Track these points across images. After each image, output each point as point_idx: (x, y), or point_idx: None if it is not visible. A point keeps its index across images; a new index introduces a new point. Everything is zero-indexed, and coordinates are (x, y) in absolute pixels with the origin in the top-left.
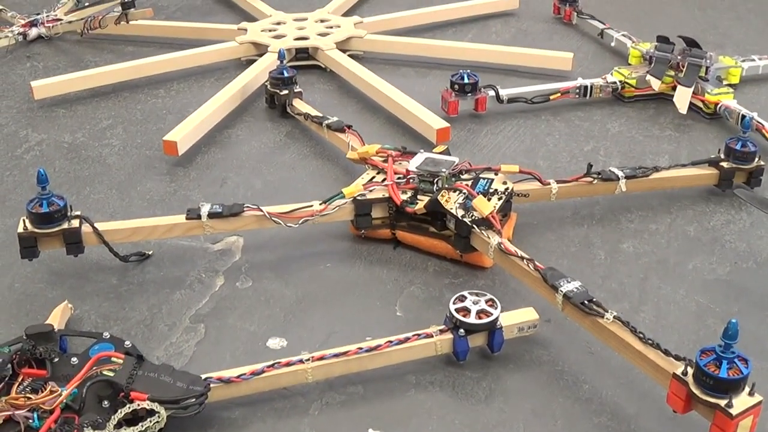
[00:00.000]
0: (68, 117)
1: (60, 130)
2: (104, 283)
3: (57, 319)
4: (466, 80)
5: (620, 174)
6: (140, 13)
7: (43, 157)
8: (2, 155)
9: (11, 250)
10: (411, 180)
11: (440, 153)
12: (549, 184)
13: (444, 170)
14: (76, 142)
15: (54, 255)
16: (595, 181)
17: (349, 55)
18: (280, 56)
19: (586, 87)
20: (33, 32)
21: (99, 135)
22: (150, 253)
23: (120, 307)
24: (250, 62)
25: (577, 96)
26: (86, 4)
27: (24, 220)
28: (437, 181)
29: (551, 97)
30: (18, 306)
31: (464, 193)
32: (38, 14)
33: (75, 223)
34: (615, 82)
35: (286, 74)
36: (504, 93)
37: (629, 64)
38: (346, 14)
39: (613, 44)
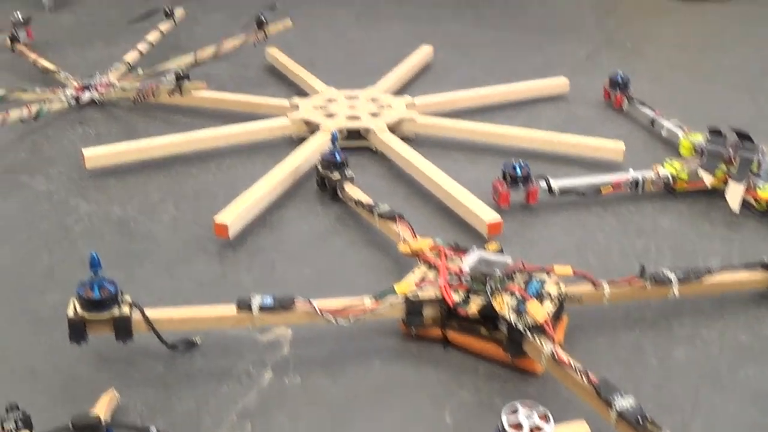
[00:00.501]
0: (119, 188)
1: (110, 201)
2: (151, 371)
3: (104, 408)
4: (518, 172)
5: (673, 278)
6: (194, 86)
7: (93, 230)
8: (52, 225)
9: (58, 329)
10: (464, 280)
11: (493, 251)
12: (602, 286)
13: (497, 271)
14: (127, 215)
15: (102, 336)
16: (648, 285)
17: (400, 137)
18: (333, 140)
19: (637, 180)
20: (85, 96)
21: (149, 209)
22: (198, 341)
23: (166, 397)
24: (302, 139)
25: (628, 189)
26: (139, 71)
27: (74, 303)
28: (490, 282)
29: (603, 190)
30: (63, 389)
31: (518, 297)
32: (91, 78)
33: (126, 309)
34: (667, 176)
35: (338, 158)
36: (556, 185)
37: (680, 155)
38: (398, 92)
39: (664, 133)
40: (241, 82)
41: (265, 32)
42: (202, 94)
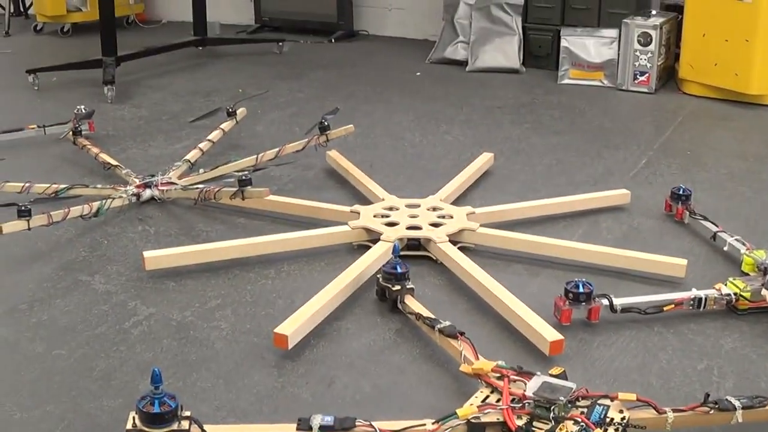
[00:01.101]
0: (178, 291)
1: (169, 305)
2: None
3: None
4: (581, 289)
5: (737, 404)
6: (257, 192)
7: (151, 334)
8: (110, 327)
9: None
10: (527, 404)
11: (557, 375)
12: (665, 413)
13: (561, 398)
14: (185, 320)
15: None
16: (712, 411)
17: (459, 248)
18: (395, 252)
19: (699, 299)
20: (146, 194)
21: (208, 315)
22: None
23: None
24: (362, 247)
25: (690, 308)
26: (200, 170)
27: (133, 417)
28: (554, 408)
29: (664, 308)
30: None
31: (582, 425)
32: (153, 176)
33: (185, 425)
34: (729, 295)
35: (399, 270)
36: (617, 303)
37: (742, 272)
38: (459, 199)
39: (725, 248)
40: (301, 184)
41: (327, 137)
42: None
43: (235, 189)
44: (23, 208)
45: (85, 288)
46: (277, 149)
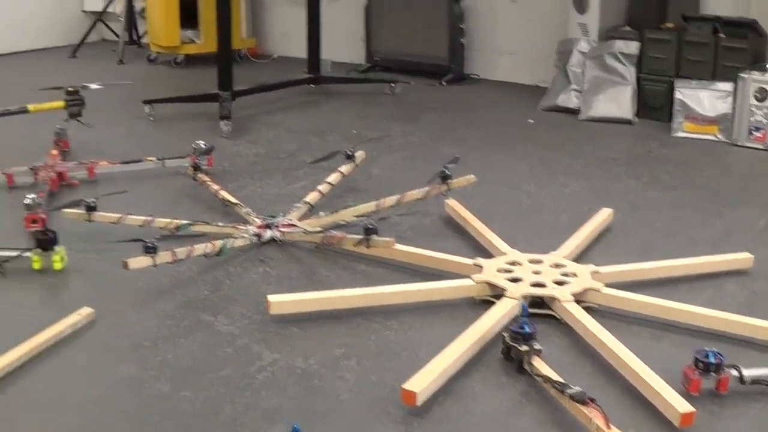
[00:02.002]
0: (302, 338)
1: (293, 351)
2: None
3: None
4: (711, 360)
5: None
6: (383, 242)
7: (276, 381)
8: (235, 371)
9: None
10: None
11: None
12: None
13: None
14: (309, 368)
15: None
16: None
17: (583, 307)
18: (524, 312)
19: None
20: (267, 234)
21: (332, 364)
22: None
23: None
24: (484, 301)
25: None
26: (321, 214)
27: None
28: None
29: None
30: None
31: None
32: (273, 217)
33: None
34: None
35: (527, 330)
36: (747, 374)
37: None
38: (579, 256)
39: None
40: (420, 232)
41: (448, 186)
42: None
43: (359, 237)
44: (150, 244)
45: (208, 328)
46: (397, 196)
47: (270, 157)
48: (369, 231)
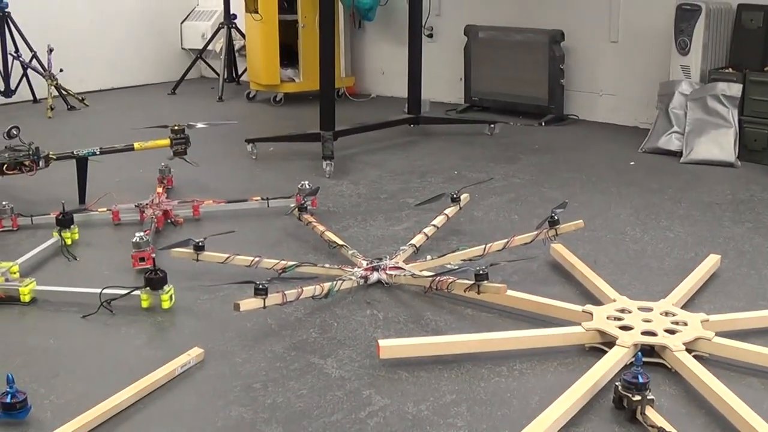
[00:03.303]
0: (411, 383)
1: (403, 397)
2: None
3: None
4: None
5: None
6: (494, 288)
7: (387, 426)
8: (346, 415)
9: None
10: None
11: None
12: None
13: None
14: (420, 414)
15: None
16: None
17: (694, 356)
18: (638, 361)
19: None
20: (373, 277)
21: (443, 411)
22: None
23: None
24: (593, 349)
25: None
26: (428, 257)
27: None
28: None
29: None
30: None
31: None
32: (380, 260)
33: None
34: None
35: (641, 380)
36: None
37: None
38: (687, 303)
39: None
40: (526, 276)
41: (556, 231)
42: None
43: (470, 282)
44: (261, 286)
45: (318, 371)
46: (505, 241)
47: (372, 198)
48: (480, 277)
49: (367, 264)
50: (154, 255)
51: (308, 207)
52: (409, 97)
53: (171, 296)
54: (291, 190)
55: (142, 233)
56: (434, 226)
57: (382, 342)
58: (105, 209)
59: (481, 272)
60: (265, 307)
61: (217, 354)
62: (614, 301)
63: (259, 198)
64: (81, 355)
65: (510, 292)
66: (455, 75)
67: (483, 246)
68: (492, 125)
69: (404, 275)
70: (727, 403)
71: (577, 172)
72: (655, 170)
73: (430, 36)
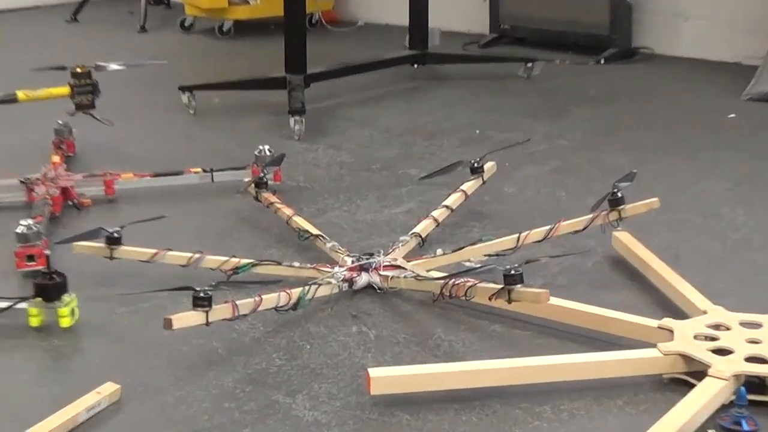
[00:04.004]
0: (415, 428)
1: None
2: None
3: None
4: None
5: None
6: (530, 295)
7: None
8: None
9: None
10: None
11: None
12: None
13: None
14: None
15: None
16: None
17: None
18: (740, 400)
19: None
20: (362, 280)
21: None
22: None
23: None
24: (675, 380)
25: None
26: (438, 251)
27: None
28: None
29: None
30: None
31: None
32: (371, 255)
33: None
34: None
35: (745, 426)
36: None
37: None
38: None
39: None
40: (578, 278)
41: (620, 214)
42: None
43: (497, 286)
44: (202, 295)
45: (284, 414)
46: (546, 228)
47: (361, 168)
48: (511, 279)
49: (353, 262)
50: (48, 252)
51: (269, 182)
52: (412, 27)
53: (73, 310)
54: (245, 159)
55: (30, 221)
56: (447, 207)
57: (373, 372)
58: None
59: (513, 272)
60: (208, 323)
61: (139, 391)
62: (705, 313)
63: (199, 170)
64: None
65: (555, 301)
66: None
67: (516, 235)
68: (529, 64)
69: (405, 277)
70: None
71: (650, 130)
72: (764, 126)
73: None
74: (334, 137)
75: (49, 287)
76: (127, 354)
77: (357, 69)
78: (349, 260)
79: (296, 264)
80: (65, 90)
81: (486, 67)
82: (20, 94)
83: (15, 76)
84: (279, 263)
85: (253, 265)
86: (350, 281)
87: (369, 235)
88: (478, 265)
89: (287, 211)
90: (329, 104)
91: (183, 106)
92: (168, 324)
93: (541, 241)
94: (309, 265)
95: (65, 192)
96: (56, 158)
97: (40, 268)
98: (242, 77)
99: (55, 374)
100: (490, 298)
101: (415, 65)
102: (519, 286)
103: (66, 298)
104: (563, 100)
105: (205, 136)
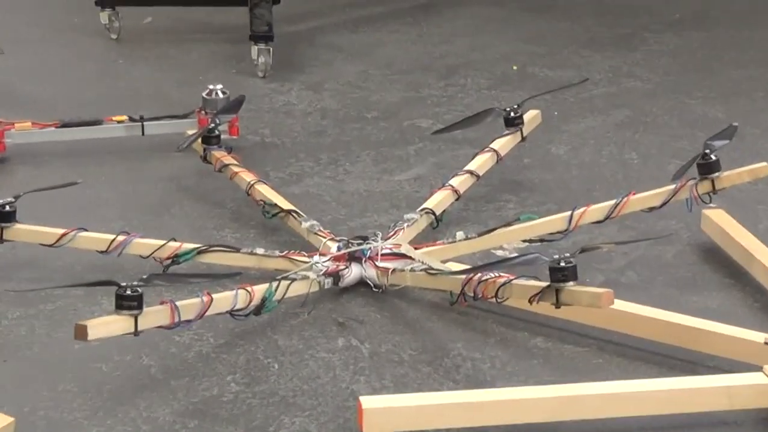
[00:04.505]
0: None
1: None
2: None
3: None
4: None
5: None
6: (587, 296)
7: None
8: None
9: None
10: None
11: None
12: None
13: None
14: None
15: None
16: None
17: None
18: None
19: None
20: (352, 273)
21: None
22: None
23: None
24: None
25: None
26: (459, 235)
27: None
28: None
29: None
30: None
31: None
32: (364, 239)
33: None
34: None
35: None
36: None
37: None
38: None
39: None
40: (654, 272)
41: (713, 184)
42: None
43: (540, 283)
44: (129, 292)
45: None
46: (610, 203)
47: (349, 117)
48: (560, 273)
49: (340, 248)
50: None
51: (222, 136)
52: None
53: None
54: (188, 103)
55: None
56: (471, 173)
57: (366, 401)
58: None
59: (563, 265)
60: (137, 332)
61: (41, 427)
62: None
63: (125, 118)
64: None
65: (621, 305)
66: None
67: (568, 213)
68: None
69: (412, 270)
70: None
71: (758, 67)
72: None
73: None
74: (314, 74)
75: None
76: (27, 376)
77: None
78: (333, 246)
79: (260, 251)
80: None
81: None
82: None
83: None
84: (236, 249)
85: (200, 251)
86: (335, 275)
87: (362, 212)
88: (515, 254)
89: (247, 176)
90: (306, 28)
91: (102, 30)
92: (81, 333)
93: (603, 221)
94: (278, 253)
95: None
96: None
97: None
98: None
99: None
100: (530, 301)
101: None
102: (571, 283)
103: None
104: (635, 24)
105: (134, 71)
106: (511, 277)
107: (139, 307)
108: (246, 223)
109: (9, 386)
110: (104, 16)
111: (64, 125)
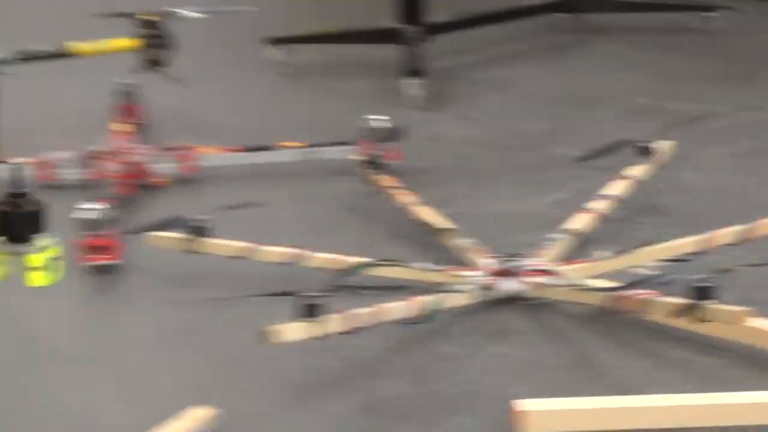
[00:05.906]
0: None
1: None
2: None
3: None
4: None
5: None
6: (727, 314)
7: None
8: None
9: None
10: None
11: None
12: None
13: None
14: None
15: None
16: None
17: None
18: None
19: None
20: (505, 286)
21: None
22: None
23: None
24: None
25: None
26: (600, 254)
27: None
28: None
29: None
30: None
31: None
32: (513, 256)
33: None
34: None
35: None
36: None
37: None
38: None
39: None
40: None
41: None
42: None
43: (683, 301)
44: (313, 301)
45: None
46: (742, 227)
47: (497, 144)
48: (702, 292)
49: (495, 264)
50: (114, 240)
51: (384, 162)
52: None
53: (51, 262)
54: (351, 131)
55: (100, 205)
56: (611, 197)
57: (524, 404)
58: (26, 160)
59: (703, 285)
60: (321, 338)
61: (237, 418)
62: None
63: (296, 144)
64: None
65: (759, 322)
66: None
67: (702, 236)
68: (709, 14)
69: (560, 285)
70: None
71: None
72: None
73: None
74: (464, 105)
75: (16, 218)
76: (218, 373)
77: (488, 19)
78: (488, 262)
79: (420, 265)
80: (134, 42)
81: (652, 18)
82: (73, 47)
83: (68, 23)
84: (401, 264)
85: (369, 266)
86: (492, 289)
87: (508, 232)
88: (655, 274)
89: (406, 198)
90: (455, 64)
91: (272, 64)
92: (266, 338)
93: (737, 243)
94: (439, 268)
95: (136, 169)
96: (122, 127)
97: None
98: (343, 27)
99: (135, 395)
100: (675, 315)
101: (566, 13)
102: (712, 301)
103: (41, 241)
104: (755, 61)
105: (302, 102)
106: (654, 294)
107: (322, 314)
108: (408, 240)
109: (209, 383)
110: (275, 52)
111: (246, 150)
